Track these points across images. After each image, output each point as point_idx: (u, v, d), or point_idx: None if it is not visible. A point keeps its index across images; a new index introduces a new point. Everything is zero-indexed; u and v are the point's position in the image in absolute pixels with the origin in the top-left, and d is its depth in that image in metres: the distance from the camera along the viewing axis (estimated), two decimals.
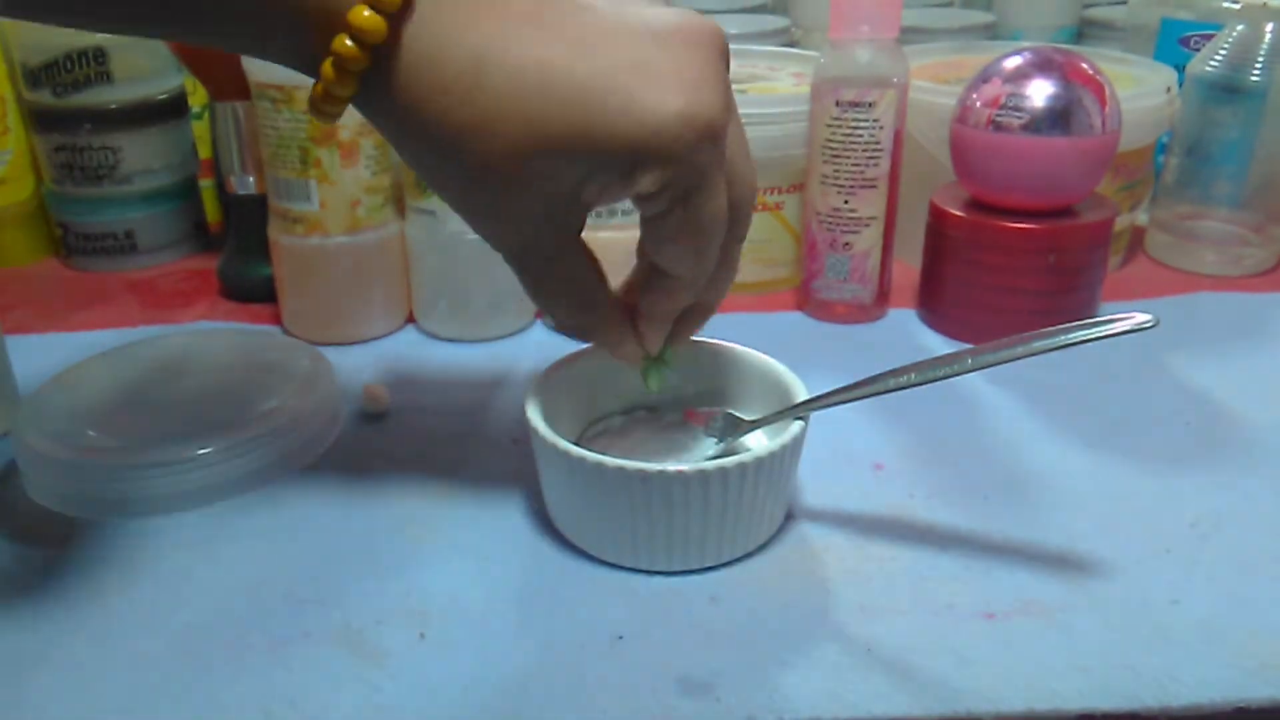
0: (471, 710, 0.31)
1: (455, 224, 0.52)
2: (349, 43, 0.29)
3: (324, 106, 0.31)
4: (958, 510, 0.40)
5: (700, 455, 0.40)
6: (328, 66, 0.29)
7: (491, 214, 0.32)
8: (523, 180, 0.31)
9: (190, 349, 0.49)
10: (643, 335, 0.37)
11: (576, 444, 0.36)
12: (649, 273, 0.36)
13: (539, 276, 0.34)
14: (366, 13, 0.28)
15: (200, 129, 0.68)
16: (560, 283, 0.34)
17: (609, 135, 0.30)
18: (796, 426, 0.37)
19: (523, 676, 0.32)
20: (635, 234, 0.53)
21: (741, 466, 0.34)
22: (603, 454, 0.35)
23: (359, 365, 0.52)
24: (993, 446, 0.45)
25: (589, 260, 0.35)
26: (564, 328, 0.37)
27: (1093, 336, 0.34)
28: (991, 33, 0.84)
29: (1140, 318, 0.33)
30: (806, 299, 0.58)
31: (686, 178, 0.31)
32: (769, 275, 0.61)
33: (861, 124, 0.52)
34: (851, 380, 0.38)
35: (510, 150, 0.30)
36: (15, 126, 0.64)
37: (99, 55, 0.62)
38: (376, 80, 0.30)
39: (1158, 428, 0.46)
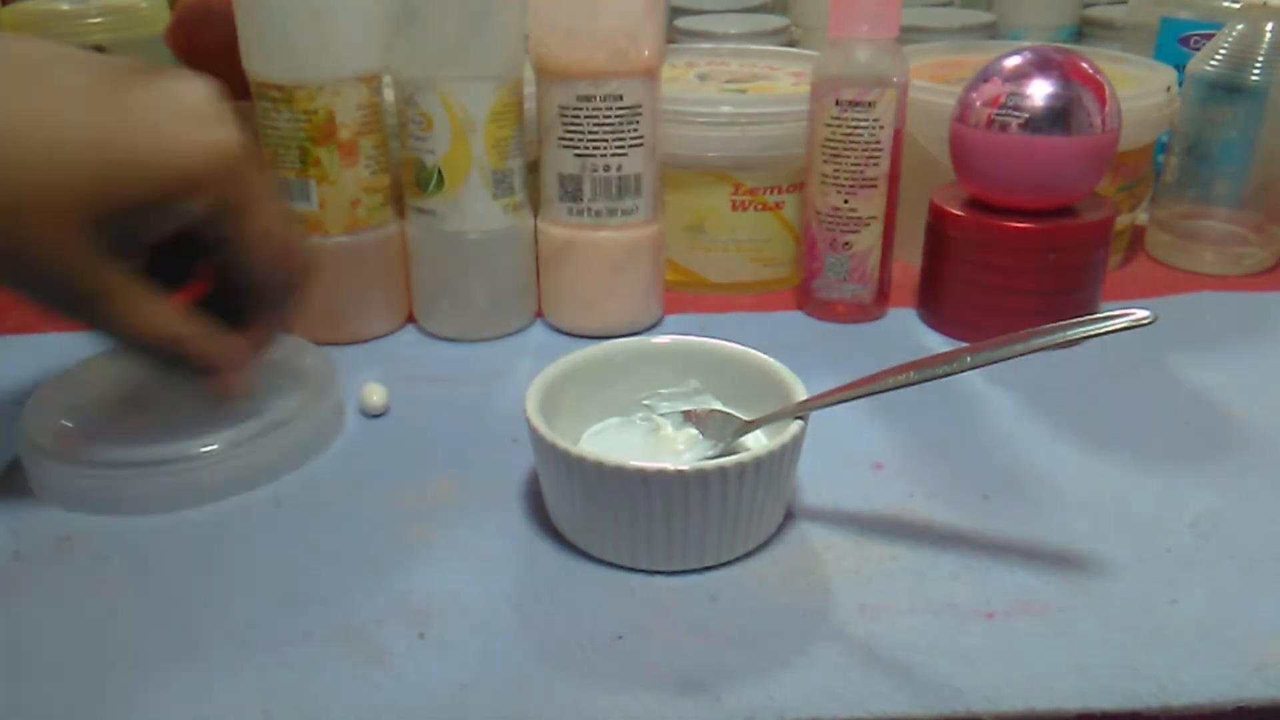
0: (471, 710, 0.31)
1: (455, 224, 0.52)
2: None
3: None
4: (957, 510, 0.40)
5: (700, 455, 0.40)
6: None
7: (25, 269, 0.32)
8: (56, 226, 0.31)
9: None
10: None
11: (576, 444, 0.36)
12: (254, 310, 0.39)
13: (108, 319, 0.35)
14: None
15: None
16: (131, 318, 0.35)
17: (145, 166, 0.32)
18: (796, 426, 0.37)
19: (523, 676, 0.32)
20: (636, 234, 0.53)
21: (741, 466, 0.34)
22: (602, 454, 0.35)
23: (359, 365, 0.52)
24: (993, 446, 0.45)
25: (152, 291, 0.35)
26: (175, 361, 0.37)
27: (1092, 333, 0.34)
28: (991, 32, 0.84)
29: (1139, 314, 0.33)
30: (806, 298, 0.58)
31: (236, 193, 0.34)
32: (769, 275, 0.61)
33: (861, 123, 0.52)
34: (851, 380, 0.38)
35: (43, 195, 0.30)
36: None
37: None
38: None
39: (1158, 427, 0.46)
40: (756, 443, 0.40)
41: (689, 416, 0.42)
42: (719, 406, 0.42)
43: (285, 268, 0.38)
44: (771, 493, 0.37)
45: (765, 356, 0.41)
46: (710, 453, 0.40)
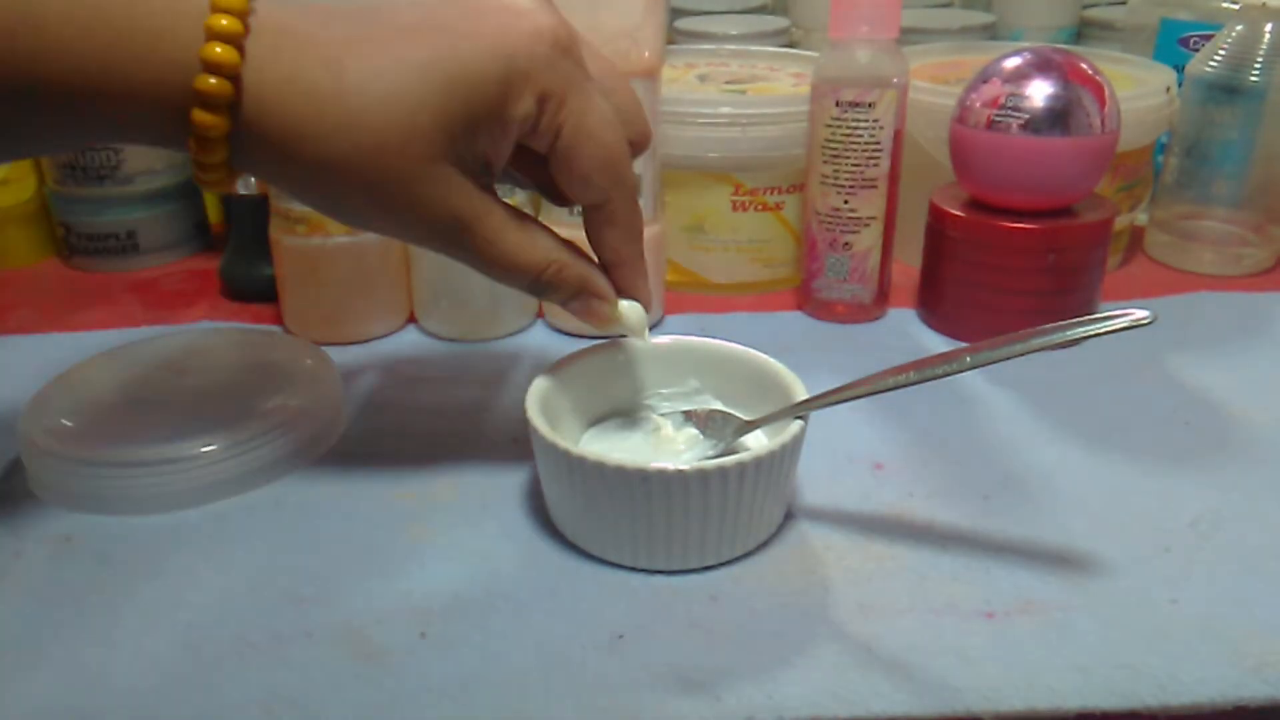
0: (471, 710, 0.31)
1: None
2: (204, 113, 0.29)
3: (206, 178, 0.32)
4: (957, 510, 0.40)
5: (700, 455, 0.40)
6: (192, 142, 0.30)
7: (405, 207, 0.33)
8: (419, 159, 0.32)
9: (192, 348, 0.49)
10: (625, 287, 0.38)
11: (576, 444, 0.36)
12: (590, 229, 0.37)
13: (481, 246, 0.34)
14: (212, 80, 0.29)
15: None
16: (503, 244, 0.35)
17: (474, 73, 0.32)
18: (796, 426, 0.37)
19: (523, 676, 0.32)
20: None
21: (741, 466, 0.34)
22: (602, 454, 0.35)
23: (359, 365, 0.52)
24: (993, 446, 0.45)
25: (519, 214, 0.35)
26: (547, 287, 0.36)
27: (1091, 333, 0.34)
28: (991, 33, 0.84)
29: (1138, 314, 0.33)
30: (806, 298, 0.58)
31: (556, 84, 0.33)
32: (769, 275, 0.61)
33: (861, 124, 0.52)
34: (849, 379, 0.38)
35: (399, 134, 0.31)
36: None
37: None
38: (246, 135, 0.30)
39: (1158, 428, 0.46)
40: (757, 443, 0.40)
41: (689, 416, 0.42)
42: (719, 406, 0.42)
43: (609, 175, 0.35)
44: (771, 492, 0.37)
45: (765, 356, 0.41)
46: (710, 453, 0.40)
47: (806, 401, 0.38)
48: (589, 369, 0.42)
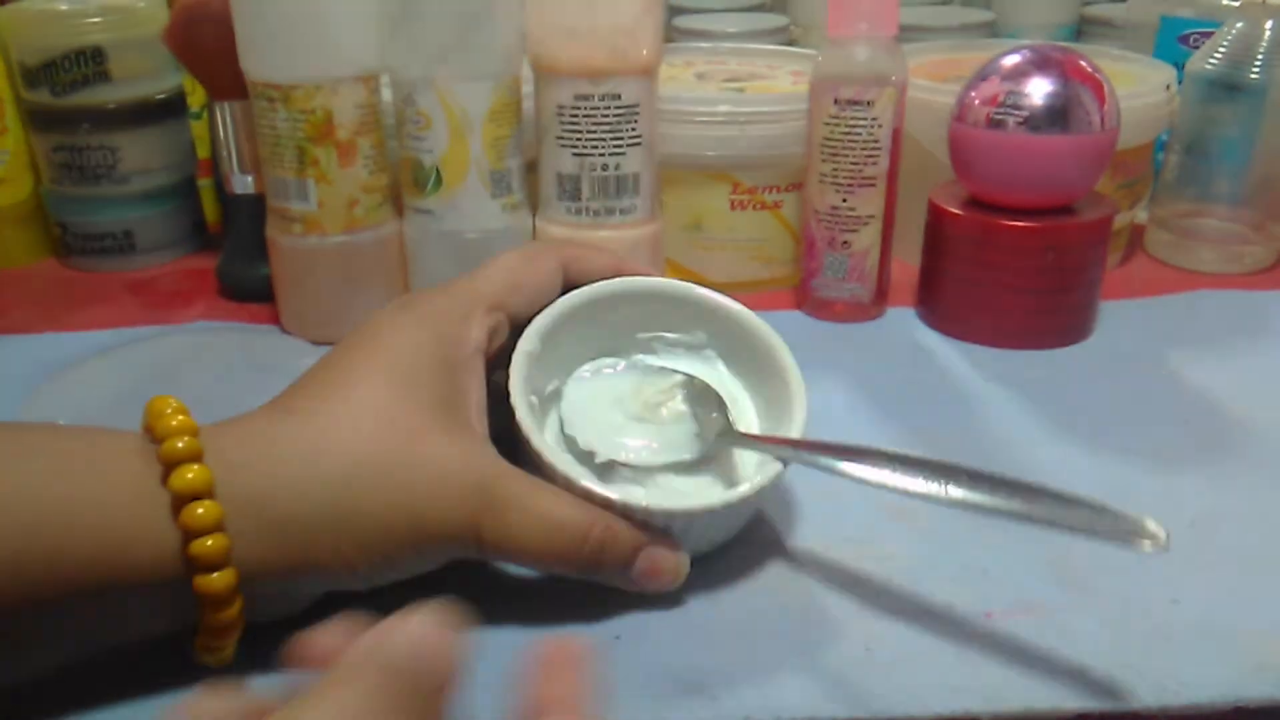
0: (468, 710, 0.31)
1: (453, 223, 0.52)
2: (214, 608, 0.29)
3: (217, 644, 0.30)
4: (957, 510, 0.40)
5: (676, 450, 0.38)
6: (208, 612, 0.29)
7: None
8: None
9: (189, 348, 0.49)
10: None
11: (565, 380, 0.35)
12: None
13: (515, 517, 0.33)
14: (214, 576, 0.28)
15: (199, 128, 0.68)
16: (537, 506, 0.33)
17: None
18: (772, 471, 0.35)
19: (519, 677, 0.32)
20: (635, 233, 0.53)
21: (689, 516, 0.34)
22: (594, 452, 0.34)
23: None
24: (992, 446, 0.45)
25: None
26: (600, 550, 0.33)
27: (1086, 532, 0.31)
28: (990, 30, 0.84)
29: (1152, 527, 0.30)
30: (805, 297, 0.58)
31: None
32: (767, 274, 0.61)
33: (860, 122, 0.52)
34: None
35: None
36: (13, 126, 0.64)
37: (97, 55, 0.61)
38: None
39: (1158, 427, 0.46)
40: (738, 458, 0.38)
41: (686, 385, 0.39)
42: (716, 382, 0.40)
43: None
44: (735, 529, 0.37)
45: (781, 344, 0.39)
46: (686, 455, 0.38)
47: (797, 443, 0.36)
48: (598, 300, 0.40)
